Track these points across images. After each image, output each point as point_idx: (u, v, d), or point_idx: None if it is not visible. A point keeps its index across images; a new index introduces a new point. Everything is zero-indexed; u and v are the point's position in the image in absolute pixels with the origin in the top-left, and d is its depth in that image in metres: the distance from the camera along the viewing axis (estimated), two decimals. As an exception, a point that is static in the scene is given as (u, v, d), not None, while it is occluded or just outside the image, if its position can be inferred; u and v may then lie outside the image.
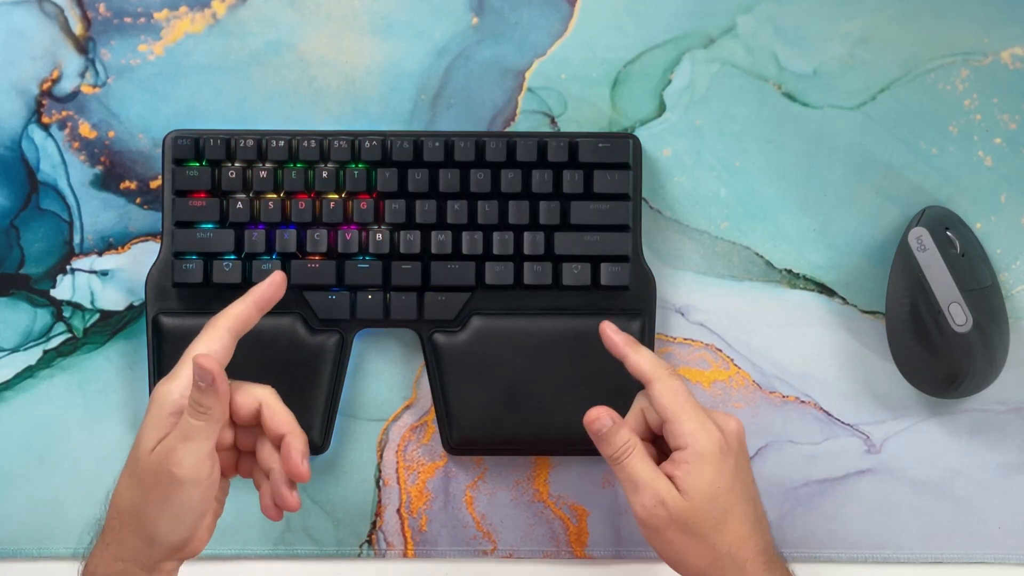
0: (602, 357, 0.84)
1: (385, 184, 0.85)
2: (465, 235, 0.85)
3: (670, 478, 0.76)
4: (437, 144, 0.85)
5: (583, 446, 0.81)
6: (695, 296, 0.88)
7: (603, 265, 0.86)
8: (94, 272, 0.88)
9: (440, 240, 0.85)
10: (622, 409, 0.78)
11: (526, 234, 0.86)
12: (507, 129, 0.88)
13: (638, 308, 0.86)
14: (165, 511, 0.73)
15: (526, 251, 0.86)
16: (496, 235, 0.86)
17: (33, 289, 0.88)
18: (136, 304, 0.88)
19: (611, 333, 0.80)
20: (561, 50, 0.88)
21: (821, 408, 0.88)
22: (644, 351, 0.79)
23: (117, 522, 0.74)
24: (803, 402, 0.88)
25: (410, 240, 0.85)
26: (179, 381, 0.74)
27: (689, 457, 0.76)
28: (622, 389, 0.83)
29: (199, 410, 0.72)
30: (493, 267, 0.86)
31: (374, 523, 0.88)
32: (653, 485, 0.76)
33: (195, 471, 0.73)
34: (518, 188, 0.85)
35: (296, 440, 0.74)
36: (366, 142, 0.85)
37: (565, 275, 0.85)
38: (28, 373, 0.88)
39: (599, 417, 0.77)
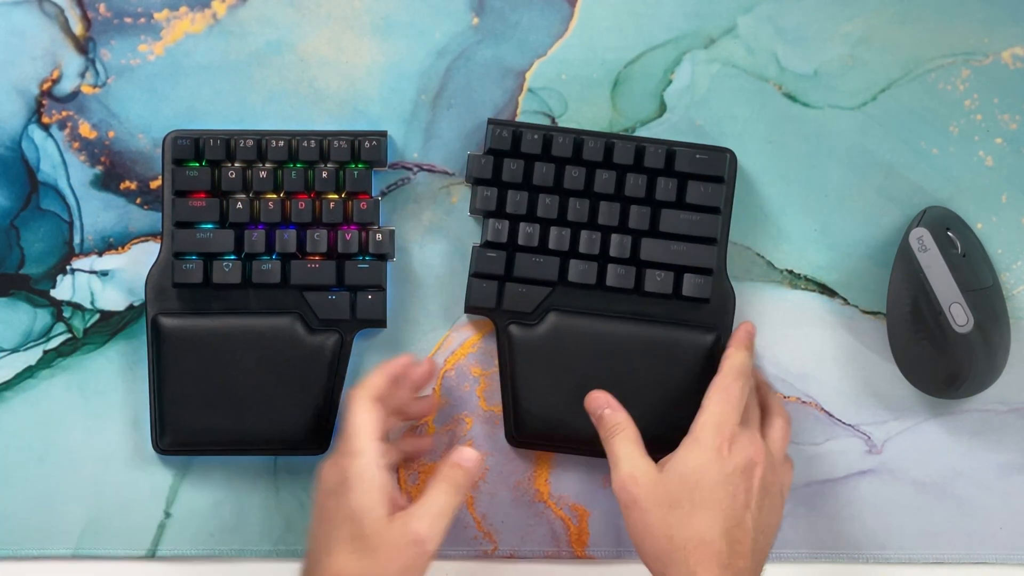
0: (675, 368, 0.83)
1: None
2: (553, 230, 0.85)
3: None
4: (536, 137, 0.85)
5: (648, 452, 0.80)
6: (696, 296, 0.88)
7: (686, 275, 0.85)
8: (94, 272, 0.88)
9: (528, 232, 0.85)
10: (686, 420, 0.79)
11: (613, 236, 0.85)
12: (508, 129, 0.88)
13: (714, 323, 0.86)
14: None
15: (612, 253, 0.85)
16: (584, 233, 0.85)
17: (33, 289, 0.88)
18: (136, 304, 0.88)
19: (742, 330, 0.84)
20: (561, 50, 0.88)
21: (822, 408, 0.88)
22: (742, 351, 0.82)
23: None
24: (804, 402, 0.88)
25: (498, 229, 0.85)
26: (367, 455, 0.77)
27: (686, 441, 0.78)
28: (691, 401, 0.82)
29: (460, 488, 0.77)
30: (577, 265, 0.85)
31: (374, 524, 0.88)
32: (630, 461, 0.78)
33: (441, 537, 0.76)
34: (611, 190, 0.85)
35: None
36: (366, 142, 0.85)
37: (648, 281, 0.85)
38: (28, 373, 0.88)
39: (595, 399, 0.82)
